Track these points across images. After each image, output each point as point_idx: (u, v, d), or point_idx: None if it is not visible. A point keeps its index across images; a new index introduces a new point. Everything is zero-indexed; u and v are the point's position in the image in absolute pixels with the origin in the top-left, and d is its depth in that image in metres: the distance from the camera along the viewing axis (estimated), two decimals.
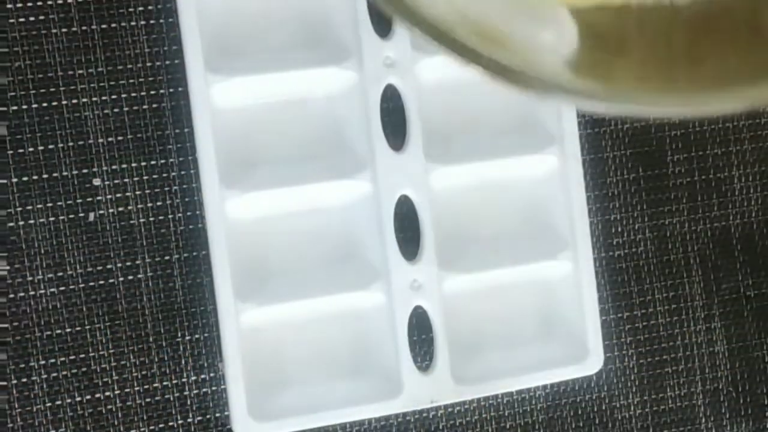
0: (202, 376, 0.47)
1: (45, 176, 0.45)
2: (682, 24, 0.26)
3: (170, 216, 0.46)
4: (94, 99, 0.46)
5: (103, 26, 0.45)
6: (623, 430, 0.51)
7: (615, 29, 0.26)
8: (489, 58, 0.24)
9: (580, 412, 0.51)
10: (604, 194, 0.51)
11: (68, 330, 0.45)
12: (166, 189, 0.46)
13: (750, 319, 0.53)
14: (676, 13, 0.26)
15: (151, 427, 0.46)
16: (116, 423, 0.46)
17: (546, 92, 0.24)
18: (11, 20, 0.45)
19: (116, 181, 0.46)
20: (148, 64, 0.46)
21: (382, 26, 0.46)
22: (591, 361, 0.48)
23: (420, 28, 0.24)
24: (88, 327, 0.46)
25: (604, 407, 0.51)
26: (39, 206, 0.45)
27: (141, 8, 0.46)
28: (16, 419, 0.45)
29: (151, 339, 0.46)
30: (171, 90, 0.46)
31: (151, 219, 0.46)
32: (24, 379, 0.45)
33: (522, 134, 0.48)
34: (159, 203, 0.46)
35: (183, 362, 0.47)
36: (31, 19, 0.45)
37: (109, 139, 0.46)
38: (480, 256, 0.48)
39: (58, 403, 0.45)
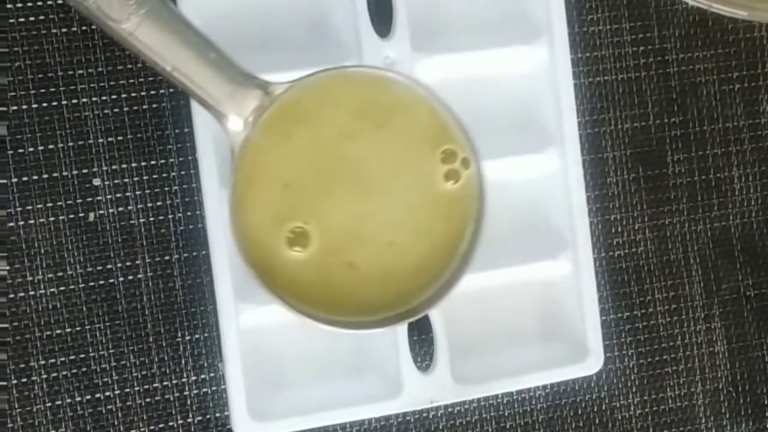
0: (202, 376, 0.47)
1: (45, 176, 0.45)
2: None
3: (170, 216, 0.46)
4: (94, 99, 0.46)
5: None
6: (623, 430, 0.51)
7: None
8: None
9: (580, 412, 0.51)
10: (604, 194, 0.51)
11: (68, 330, 0.45)
12: (166, 189, 0.46)
13: (750, 319, 0.53)
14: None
15: (151, 427, 0.46)
16: (116, 423, 0.46)
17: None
18: (11, 20, 0.45)
19: (116, 181, 0.46)
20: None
21: (382, 26, 0.46)
22: (591, 361, 0.48)
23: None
24: (88, 327, 0.46)
25: (604, 407, 0.51)
26: (39, 206, 0.45)
27: None
28: (16, 419, 0.45)
29: (151, 339, 0.46)
30: (171, 90, 0.46)
31: (151, 219, 0.46)
32: (24, 379, 0.45)
33: (522, 134, 0.48)
34: (159, 203, 0.46)
35: (183, 362, 0.47)
36: (31, 19, 0.45)
37: (109, 139, 0.46)
38: (480, 256, 0.48)
39: (58, 403, 0.45)
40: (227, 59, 0.37)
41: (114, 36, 0.36)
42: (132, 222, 0.46)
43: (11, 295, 0.45)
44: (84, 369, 0.46)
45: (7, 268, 0.45)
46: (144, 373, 0.46)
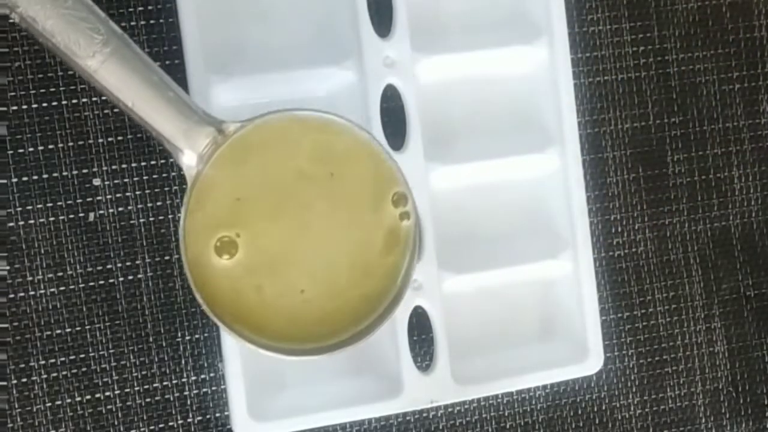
0: (202, 376, 0.47)
1: (45, 176, 0.45)
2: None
3: (170, 216, 0.46)
4: (94, 99, 0.46)
5: None
6: (623, 430, 0.51)
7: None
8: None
9: (580, 412, 0.51)
10: (604, 194, 0.51)
11: (68, 330, 0.45)
12: (166, 189, 0.46)
13: (750, 319, 0.53)
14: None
15: (151, 427, 0.46)
16: (116, 423, 0.46)
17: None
18: (11, 20, 0.45)
19: (116, 181, 0.46)
20: None
21: (382, 26, 0.46)
22: (591, 361, 0.48)
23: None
24: (88, 327, 0.46)
25: (604, 407, 0.51)
26: (39, 206, 0.45)
27: (141, 8, 0.46)
28: (16, 419, 0.45)
29: (151, 339, 0.46)
30: None
31: (151, 219, 0.46)
32: (24, 379, 0.45)
33: (522, 134, 0.48)
34: (159, 203, 0.46)
35: (183, 362, 0.47)
36: None
37: (109, 139, 0.46)
38: (480, 256, 0.48)
39: (58, 403, 0.45)
40: (184, 98, 0.39)
41: (79, 72, 0.38)
42: (132, 222, 0.46)
43: (11, 295, 0.45)
44: (84, 369, 0.46)
45: (7, 268, 0.45)
46: (144, 373, 0.46)
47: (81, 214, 0.46)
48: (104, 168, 0.46)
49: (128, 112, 0.39)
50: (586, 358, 0.48)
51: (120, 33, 0.38)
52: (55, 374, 0.45)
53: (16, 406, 0.45)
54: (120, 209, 0.46)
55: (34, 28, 0.38)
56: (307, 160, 0.40)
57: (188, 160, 0.39)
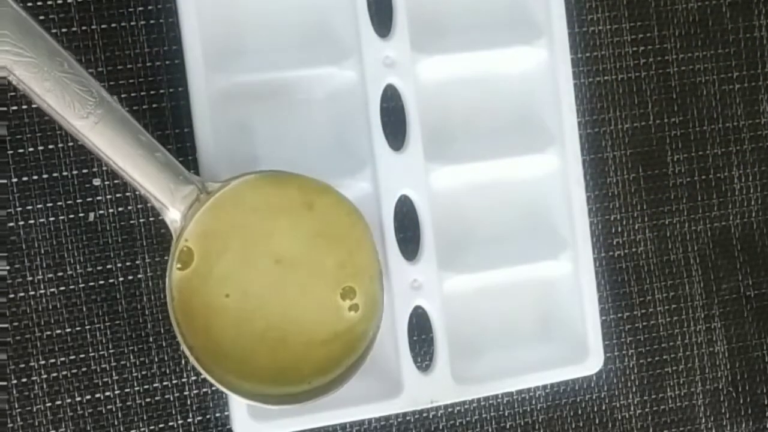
0: (202, 376, 0.47)
1: (45, 176, 0.45)
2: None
3: None
4: None
5: (103, 26, 0.45)
6: (623, 430, 0.51)
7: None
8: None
9: (580, 412, 0.51)
10: (604, 194, 0.51)
11: (68, 330, 0.45)
12: None
13: (750, 319, 0.53)
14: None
15: (151, 427, 0.46)
16: (116, 423, 0.46)
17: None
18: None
19: (116, 181, 0.46)
20: (148, 64, 0.46)
21: (382, 26, 0.46)
22: (591, 361, 0.48)
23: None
24: (88, 327, 0.46)
25: (604, 407, 0.51)
26: (39, 206, 0.45)
27: (141, 8, 0.46)
28: (16, 419, 0.45)
29: (151, 339, 0.46)
30: (171, 90, 0.46)
31: (151, 219, 0.46)
32: (24, 379, 0.45)
33: (522, 134, 0.48)
34: None
35: (183, 362, 0.47)
36: None
37: None
38: (480, 256, 0.48)
39: (58, 403, 0.45)
40: (170, 158, 0.42)
41: (72, 132, 0.41)
42: (132, 222, 0.46)
43: (11, 295, 0.45)
44: (84, 369, 0.46)
45: (7, 268, 0.45)
46: (144, 373, 0.46)
47: (81, 214, 0.46)
48: (104, 168, 0.46)
49: (117, 170, 0.41)
50: (586, 358, 0.48)
51: (109, 96, 0.41)
52: (55, 374, 0.45)
53: (16, 406, 0.45)
54: (120, 209, 0.46)
55: (30, 89, 0.40)
56: (283, 224, 0.43)
57: (173, 216, 0.42)
